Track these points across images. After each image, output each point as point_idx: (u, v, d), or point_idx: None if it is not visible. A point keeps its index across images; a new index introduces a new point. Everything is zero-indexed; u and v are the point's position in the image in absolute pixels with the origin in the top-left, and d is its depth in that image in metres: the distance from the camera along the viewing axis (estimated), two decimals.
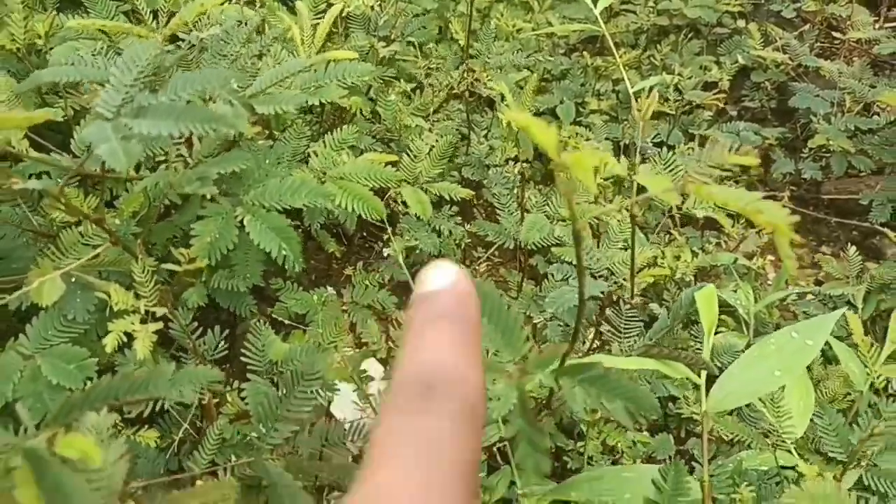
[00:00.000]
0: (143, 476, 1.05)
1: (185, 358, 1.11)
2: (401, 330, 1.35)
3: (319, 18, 1.46)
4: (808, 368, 1.12)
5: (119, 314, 0.92)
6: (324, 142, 1.33)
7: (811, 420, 0.96)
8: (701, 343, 1.19)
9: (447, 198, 1.50)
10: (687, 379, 0.76)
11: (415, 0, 1.98)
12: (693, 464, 1.14)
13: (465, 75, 1.76)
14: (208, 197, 1.07)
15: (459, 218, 1.60)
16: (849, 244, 1.66)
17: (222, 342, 1.10)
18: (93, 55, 1.17)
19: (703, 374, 0.75)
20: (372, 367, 1.31)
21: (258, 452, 0.92)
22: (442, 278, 0.31)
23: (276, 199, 1.10)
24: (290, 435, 0.93)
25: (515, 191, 1.50)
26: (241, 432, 0.98)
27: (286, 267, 1.10)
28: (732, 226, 1.57)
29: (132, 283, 0.95)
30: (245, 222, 1.08)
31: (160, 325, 0.94)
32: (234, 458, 0.95)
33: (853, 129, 1.93)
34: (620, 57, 1.52)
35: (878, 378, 1.01)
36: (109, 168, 0.92)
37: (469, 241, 1.65)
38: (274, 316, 1.37)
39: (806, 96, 2.01)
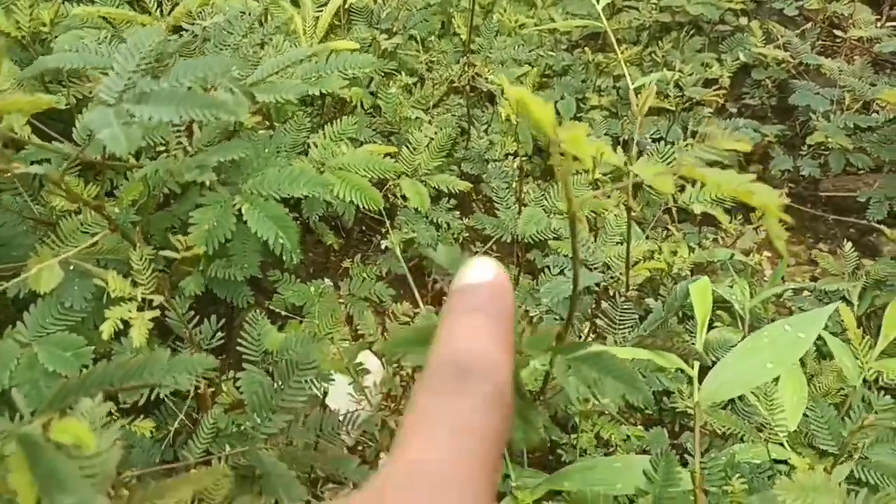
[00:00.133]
0: (138, 466, 1.05)
1: (181, 347, 1.11)
2: (397, 322, 1.36)
3: (322, 9, 1.47)
4: (802, 363, 1.12)
5: (116, 302, 0.93)
6: (323, 133, 1.33)
7: (804, 414, 0.97)
8: (695, 337, 1.19)
9: (446, 191, 1.50)
10: (681, 371, 0.77)
11: None
12: (686, 456, 1.14)
13: (466, 69, 1.76)
14: (207, 185, 1.07)
15: (458, 211, 1.60)
16: (845, 241, 1.67)
17: (219, 332, 1.10)
18: (97, 43, 1.18)
19: (697, 365, 0.76)
20: (368, 359, 1.31)
21: (253, 442, 0.93)
22: (482, 273, 0.33)
23: (275, 188, 1.11)
24: (284, 425, 0.93)
25: (514, 185, 1.50)
26: (236, 422, 0.99)
27: (284, 258, 1.10)
28: (730, 222, 1.57)
29: (130, 271, 0.95)
30: (243, 211, 1.08)
31: (157, 312, 0.94)
32: (228, 447, 0.95)
33: (852, 126, 1.93)
34: (622, 53, 1.52)
35: (870, 372, 1.01)
36: (110, 155, 0.93)
37: (467, 234, 1.66)
38: (271, 307, 1.37)
39: (806, 94, 2.01)
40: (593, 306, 1.23)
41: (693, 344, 0.79)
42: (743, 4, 2.24)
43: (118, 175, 1.23)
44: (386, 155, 1.32)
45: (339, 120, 1.35)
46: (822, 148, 1.96)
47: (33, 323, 1.00)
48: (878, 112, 1.99)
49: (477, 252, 1.66)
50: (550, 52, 2.10)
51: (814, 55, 2.10)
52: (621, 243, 1.33)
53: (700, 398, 0.73)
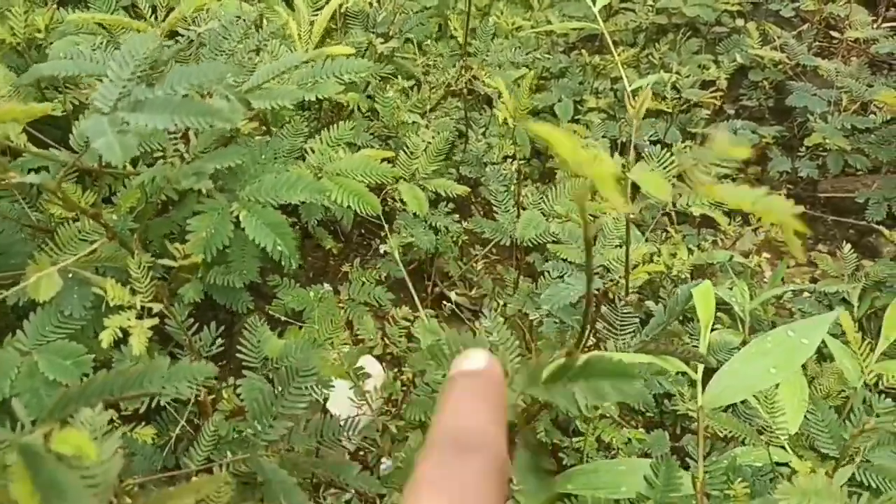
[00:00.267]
0: (139, 473, 1.05)
1: (181, 355, 1.11)
2: (397, 327, 1.35)
3: (317, 14, 1.46)
4: (803, 366, 1.12)
5: (115, 310, 0.92)
6: (320, 138, 1.33)
7: (805, 417, 0.97)
8: (696, 339, 1.19)
9: (444, 195, 1.50)
10: (683, 374, 0.77)
11: None
12: (688, 460, 1.14)
13: (463, 72, 1.76)
14: (204, 192, 1.07)
15: (456, 215, 1.60)
16: (845, 242, 1.67)
17: (219, 339, 1.10)
18: (92, 50, 1.18)
19: (700, 368, 0.76)
20: (368, 363, 1.31)
21: (254, 449, 0.93)
22: (477, 361, 0.37)
23: (272, 194, 1.10)
24: (285, 431, 0.93)
25: (512, 188, 1.50)
26: (237, 429, 0.98)
27: (283, 263, 1.10)
28: (729, 223, 1.57)
29: (128, 279, 0.95)
30: (241, 218, 1.08)
31: (156, 320, 0.94)
32: (229, 454, 0.95)
33: (850, 127, 1.93)
34: (619, 55, 1.52)
35: (870, 375, 1.01)
36: (107, 163, 0.93)
37: (466, 237, 1.66)
38: (271, 312, 1.37)
39: (803, 95, 2.01)
40: (594, 310, 1.23)
41: (695, 346, 0.79)
42: (739, 6, 2.24)
43: (116, 181, 1.23)
44: (383, 160, 1.32)
45: (336, 125, 1.34)
46: (820, 149, 1.96)
47: (33, 331, 0.99)
48: (875, 113, 1.99)
49: (476, 255, 1.66)
50: (547, 55, 2.11)
51: (811, 56, 2.11)
52: (620, 246, 1.32)
53: (703, 402, 0.73)
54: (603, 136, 1.91)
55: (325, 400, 1.12)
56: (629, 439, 1.19)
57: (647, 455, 1.18)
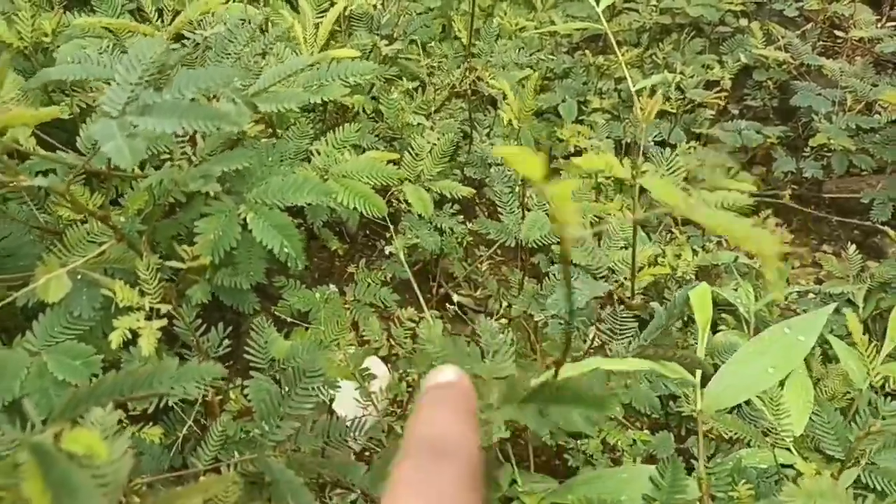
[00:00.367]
0: (147, 473, 1.06)
1: (189, 355, 1.12)
2: (402, 329, 1.36)
3: (322, 17, 1.47)
4: (808, 367, 1.12)
5: (124, 311, 0.93)
6: (326, 140, 1.33)
7: (810, 418, 0.97)
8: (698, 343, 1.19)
9: (449, 196, 1.51)
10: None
11: None
12: (693, 461, 1.14)
13: (468, 74, 1.76)
14: (212, 195, 1.08)
15: (461, 216, 1.61)
16: (850, 243, 1.67)
17: (226, 339, 1.11)
18: (99, 53, 1.18)
19: (699, 372, 0.76)
20: (374, 364, 1.32)
21: (261, 449, 0.93)
22: (449, 376, 0.39)
23: (279, 196, 1.11)
24: (292, 432, 0.94)
25: (517, 189, 1.50)
26: (244, 429, 0.99)
27: (289, 265, 1.11)
28: None
29: (137, 281, 0.96)
30: (248, 220, 1.09)
31: (164, 322, 0.95)
32: (237, 454, 0.96)
33: (854, 127, 1.93)
34: (623, 55, 1.52)
35: (876, 377, 1.01)
36: (115, 166, 0.93)
37: (471, 239, 1.66)
38: (277, 313, 1.37)
39: (807, 95, 2.01)
40: (599, 310, 1.23)
41: (695, 350, 0.79)
42: (743, 6, 2.24)
43: (123, 183, 1.23)
44: (389, 161, 1.33)
45: (341, 127, 1.35)
46: (825, 149, 1.96)
47: (42, 332, 1.00)
48: (880, 113, 1.99)
49: (481, 257, 1.67)
50: (551, 55, 2.11)
51: (815, 56, 2.10)
52: (626, 247, 1.33)
53: (703, 405, 0.73)
54: (607, 137, 1.91)
55: (332, 401, 1.12)
56: (634, 441, 1.19)
57: (652, 457, 1.19)
